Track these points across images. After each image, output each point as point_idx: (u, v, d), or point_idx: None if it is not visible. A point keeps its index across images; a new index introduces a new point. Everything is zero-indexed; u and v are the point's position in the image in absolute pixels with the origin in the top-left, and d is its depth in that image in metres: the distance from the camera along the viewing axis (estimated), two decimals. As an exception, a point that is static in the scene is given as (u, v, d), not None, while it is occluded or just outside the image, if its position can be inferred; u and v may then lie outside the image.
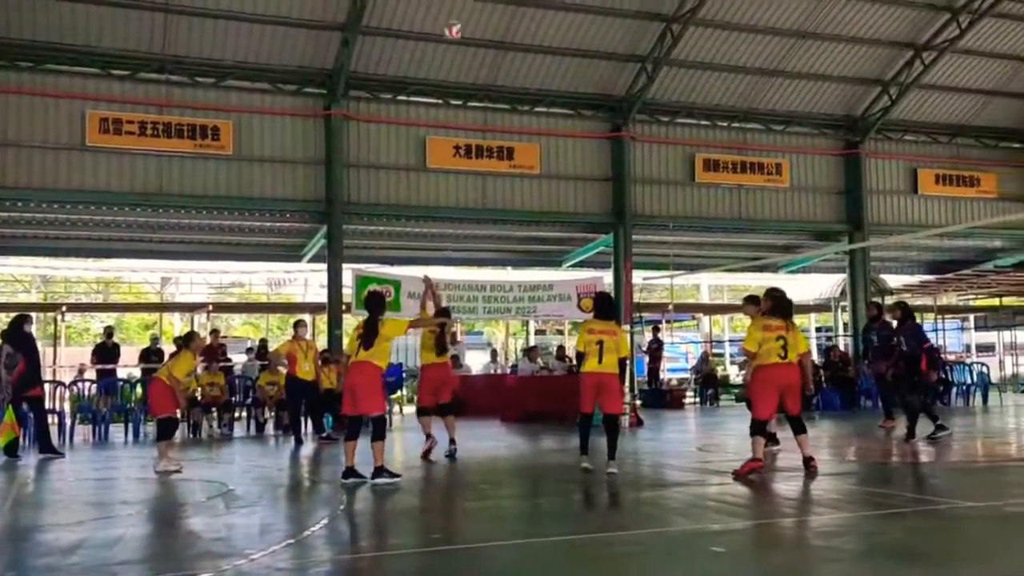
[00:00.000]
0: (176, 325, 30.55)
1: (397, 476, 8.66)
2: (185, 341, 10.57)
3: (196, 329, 26.57)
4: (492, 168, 20.11)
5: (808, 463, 8.65)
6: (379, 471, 8.51)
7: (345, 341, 9.36)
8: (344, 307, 19.20)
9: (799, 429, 8.86)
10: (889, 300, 27.79)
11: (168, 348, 20.00)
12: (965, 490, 8.23)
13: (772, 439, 10.32)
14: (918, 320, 14.66)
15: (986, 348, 29.68)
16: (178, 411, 10.41)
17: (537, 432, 14.13)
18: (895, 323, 12.59)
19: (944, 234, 23.75)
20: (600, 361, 8.81)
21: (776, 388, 8.75)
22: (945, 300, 28.71)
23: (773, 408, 8.89)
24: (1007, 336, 28.23)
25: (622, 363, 8.95)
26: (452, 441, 10.69)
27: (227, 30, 17.83)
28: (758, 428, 8.79)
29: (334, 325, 18.71)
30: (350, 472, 8.59)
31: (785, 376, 8.75)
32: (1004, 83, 23.26)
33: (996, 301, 29.56)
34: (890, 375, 12.48)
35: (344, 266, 19.20)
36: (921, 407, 11.88)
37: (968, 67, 22.55)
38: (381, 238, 22.21)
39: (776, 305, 8.98)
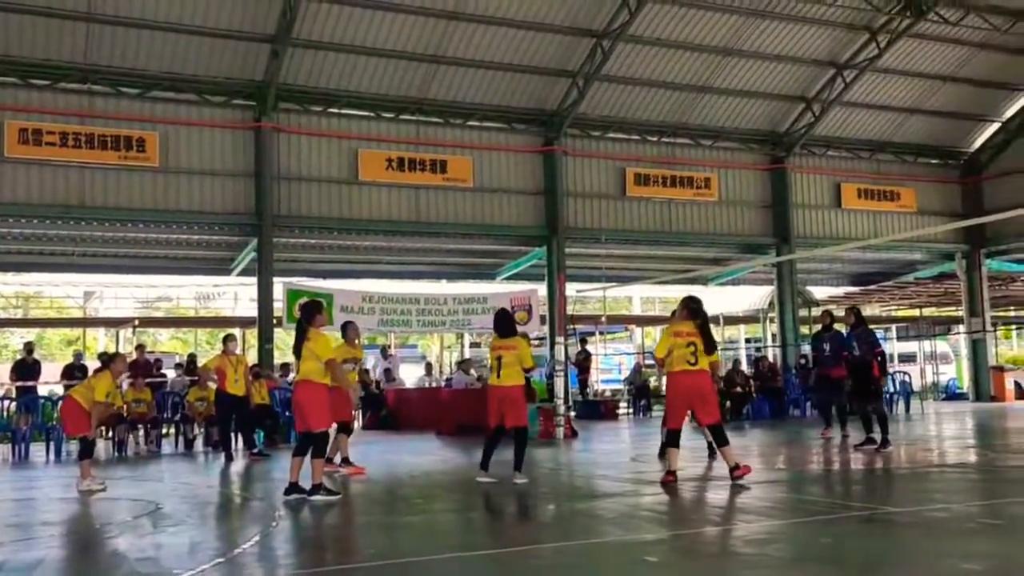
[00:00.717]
0: (100, 340, 29.77)
1: (336, 494, 8.52)
2: (108, 361, 10.31)
3: (122, 344, 25.94)
4: (425, 181, 20.08)
5: (732, 472, 8.58)
6: (316, 488, 8.38)
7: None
8: (275, 321, 18.94)
9: (719, 440, 8.72)
10: (816, 311, 28.51)
11: (92, 364, 19.53)
12: (890, 496, 8.46)
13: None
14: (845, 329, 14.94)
15: (907, 358, 30.56)
16: (92, 431, 10.07)
17: (472, 445, 14.08)
18: (847, 330, 12.57)
19: (866, 247, 24.44)
20: (499, 376, 9.15)
21: (683, 396, 8.74)
22: (868, 311, 29.49)
23: (682, 417, 8.86)
24: (927, 346, 29.12)
25: (526, 375, 9.34)
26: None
27: (152, 40, 17.50)
28: (670, 439, 8.80)
29: (264, 340, 18.44)
30: (293, 488, 8.45)
31: (693, 383, 8.65)
32: (921, 101, 24.07)
33: (916, 312, 30.53)
34: (848, 384, 12.49)
35: (275, 279, 18.96)
36: (881, 413, 11.89)
37: (887, 85, 23.28)
38: (313, 251, 21.99)
39: (690, 313, 8.94)
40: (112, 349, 25.10)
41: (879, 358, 11.96)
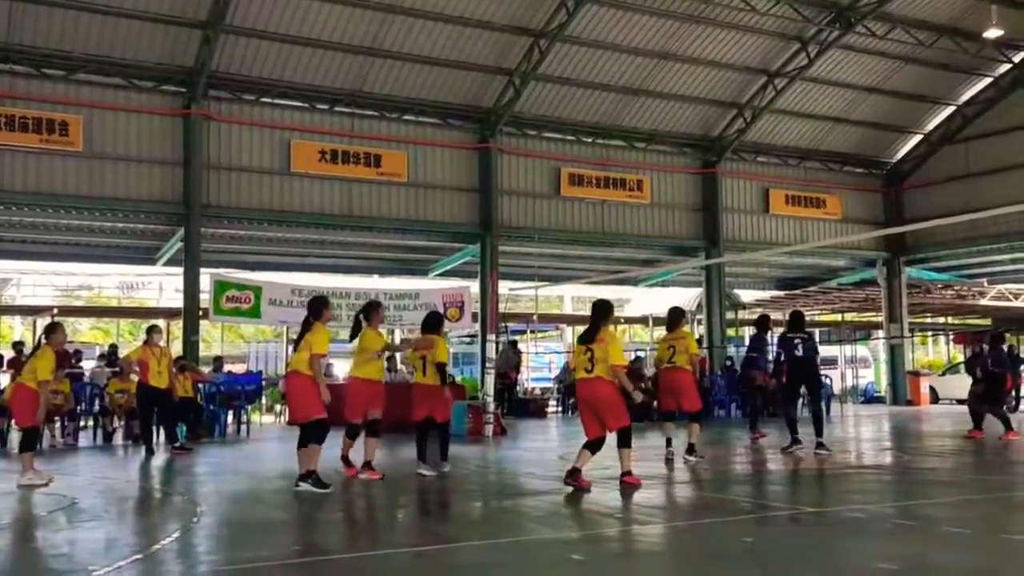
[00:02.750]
0: (17, 329, 28.84)
1: (326, 487, 8.31)
2: (46, 334, 9.79)
3: (39, 333, 25.16)
4: (359, 174, 19.88)
5: (623, 476, 8.39)
6: (306, 476, 8.36)
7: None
8: (201, 313, 18.57)
9: (620, 442, 8.45)
10: (743, 314, 29.05)
11: (7, 353, 18.90)
12: (809, 496, 8.65)
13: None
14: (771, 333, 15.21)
15: (829, 361, 31.30)
16: (40, 420, 9.65)
17: (400, 441, 14.01)
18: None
19: (792, 252, 24.97)
20: (424, 374, 9.49)
21: (583, 405, 8.50)
22: (782, 316, 30.20)
23: (594, 428, 8.34)
24: (848, 350, 29.88)
25: (440, 368, 9.52)
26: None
27: (79, 21, 17.00)
28: (587, 447, 8.38)
29: (190, 331, 18.06)
30: (304, 477, 8.43)
31: (585, 391, 8.43)
32: (848, 111, 24.69)
33: (838, 317, 31.29)
34: (772, 385, 12.51)
35: (202, 270, 18.60)
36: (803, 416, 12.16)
37: (816, 95, 23.82)
38: (242, 242, 21.63)
39: (593, 316, 8.77)
40: (29, 338, 24.32)
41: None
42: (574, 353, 8.91)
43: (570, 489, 8.15)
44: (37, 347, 9.85)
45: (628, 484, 8.33)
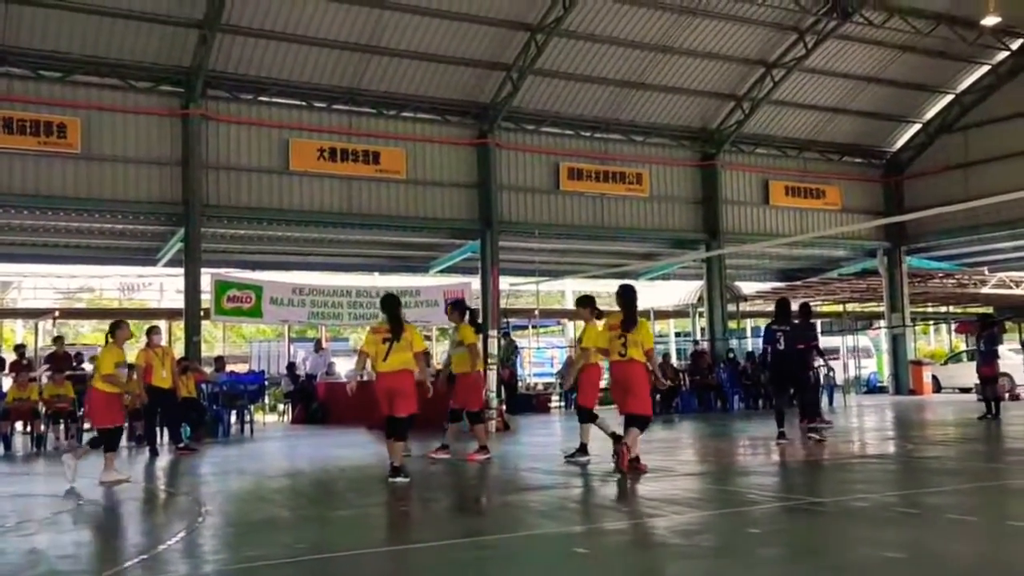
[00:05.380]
0: (18, 332, 28.86)
1: (404, 477, 8.70)
2: (111, 331, 9.97)
3: (42, 336, 25.16)
4: (357, 172, 19.88)
5: (631, 463, 8.82)
6: (399, 469, 8.77)
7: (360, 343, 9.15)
8: (202, 313, 18.59)
9: (637, 425, 9.03)
10: (744, 306, 29.07)
11: (8, 357, 18.91)
12: (812, 487, 8.66)
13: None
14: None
15: (831, 352, 31.31)
16: (123, 418, 9.96)
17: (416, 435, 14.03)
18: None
19: (793, 243, 24.98)
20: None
21: (616, 385, 9.23)
22: (795, 306, 30.23)
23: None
24: (850, 340, 29.89)
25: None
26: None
27: (75, 22, 16.99)
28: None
29: (192, 332, 18.07)
30: (395, 471, 8.78)
31: (620, 373, 9.17)
32: (847, 101, 24.66)
33: (840, 307, 31.30)
34: (764, 377, 12.48)
35: (203, 270, 18.63)
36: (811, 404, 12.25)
37: (814, 85, 23.80)
38: (242, 242, 21.64)
39: (629, 304, 9.31)
40: (31, 341, 24.34)
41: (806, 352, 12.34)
42: (595, 338, 9.15)
43: (587, 483, 8.16)
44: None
45: (639, 470, 8.72)
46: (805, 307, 13.94)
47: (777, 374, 12.11)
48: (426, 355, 9.57)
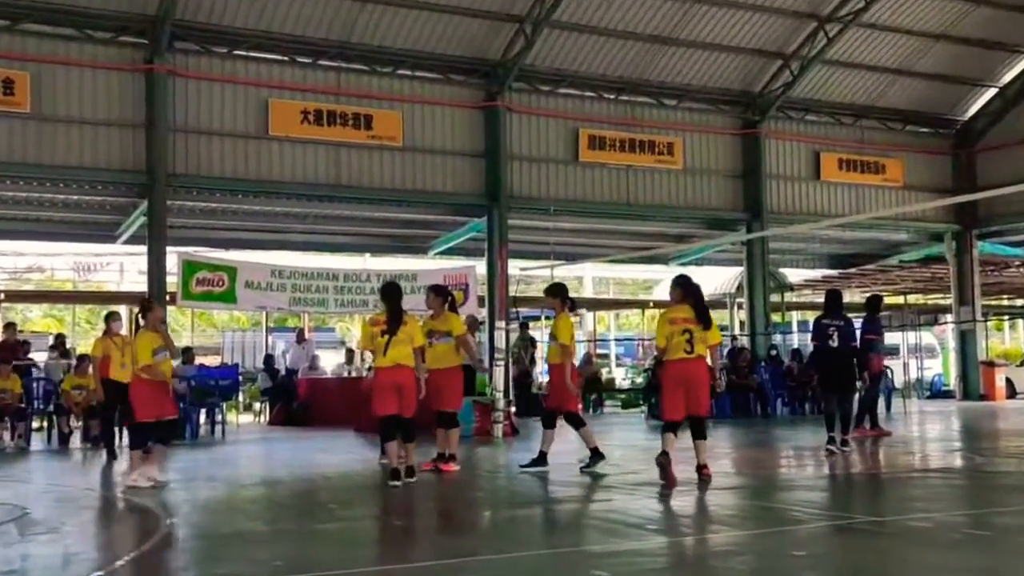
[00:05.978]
0: (-42, 318, 28.94)
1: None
2: (141, 314, 10.01)
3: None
4: (347, 138, 19.86)
5: (701, 469, 9.03)
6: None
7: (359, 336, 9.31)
8: (168, 297, 18.63)
9: (698, 433, 9.21)
10: (790, 296, 28.99)
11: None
12: (866, 504, 8.65)
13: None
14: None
15: (890, 351, 31.24)
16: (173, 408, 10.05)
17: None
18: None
19: (847, 224, 24.88)
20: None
21: (677, 385, 9.22)
22: (848, 297, 30.11)
23: (680, 409, 9.18)
24: (911, 337, 29.77)
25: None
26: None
27: (25, -37, 17.01)
28: (671, 430, 9.14)
29: (156, 319, 18.11)
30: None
31: (686, 371, 9.16)
32: (911, 62, 24.52)
33: (900, 299, 31.19)
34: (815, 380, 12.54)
35: (169, 249, 18.66)
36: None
37: (874, 43, 23.66)
38: (214, 217, 21.65)
39: (684, 293, 9.38)
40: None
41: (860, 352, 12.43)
42: (669, 335, 9.11)
43: (607, 496, 8.17)
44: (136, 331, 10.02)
45: (706, 477, 8.98)
46: (875, 300, 13.92)
47: (828, 375, 12.12)
48: (422, 352, 9.59)
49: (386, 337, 9.13)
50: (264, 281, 19.33)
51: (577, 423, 10.28)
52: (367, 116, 20.06)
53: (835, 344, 11.82)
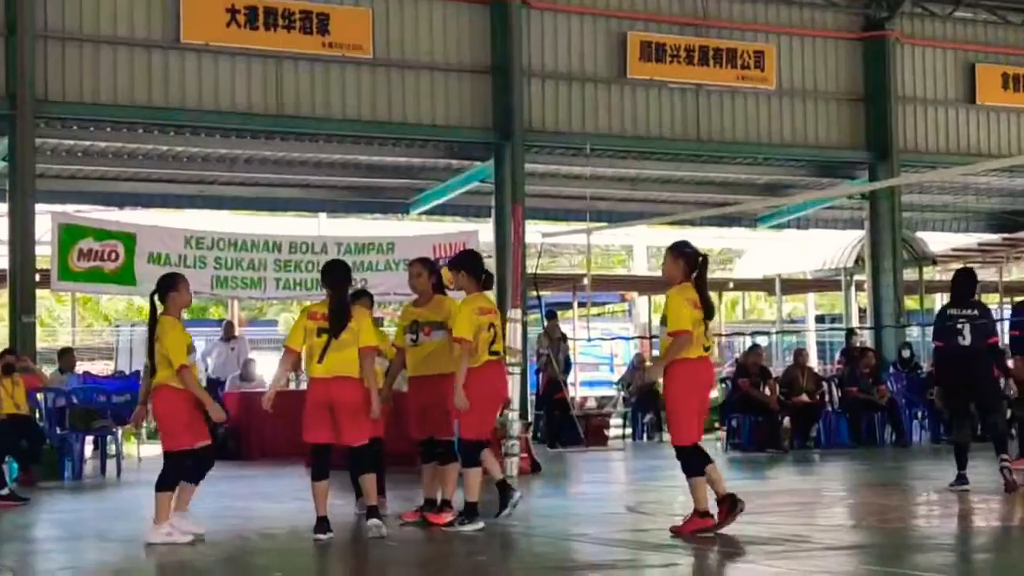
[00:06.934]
0: None
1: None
2: (161, 292, 9.48)
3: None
4: (292, 46, 19.88)
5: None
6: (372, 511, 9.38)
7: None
8: (38, 277, 18.71)
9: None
10: (931, 272, 28.88)
11: None
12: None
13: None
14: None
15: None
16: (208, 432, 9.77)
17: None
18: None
19: (1015, 169, 24.74)
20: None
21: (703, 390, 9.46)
22: (1017, 273, 29.99)
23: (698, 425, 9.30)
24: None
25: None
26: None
27: None
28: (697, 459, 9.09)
29: (21, 308, 18.21)
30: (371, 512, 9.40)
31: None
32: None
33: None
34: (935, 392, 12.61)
35: (38, 208, 18.75)
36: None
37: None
38: (102, 161, 21.70)
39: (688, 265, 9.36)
40: None
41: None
42: (688, 317, 9.04)
43: (667, 559, 8.19)
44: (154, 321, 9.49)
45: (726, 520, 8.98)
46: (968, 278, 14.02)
47: (954, 384, 12.22)
48: (377, 352, 9.56)
49: (324, 337, 9.06)
50: (175, 253, 19.33)
51: (467, 457, 9.75)
52: (322, 15, 20.03)
53: (966, 342, 11.86)
